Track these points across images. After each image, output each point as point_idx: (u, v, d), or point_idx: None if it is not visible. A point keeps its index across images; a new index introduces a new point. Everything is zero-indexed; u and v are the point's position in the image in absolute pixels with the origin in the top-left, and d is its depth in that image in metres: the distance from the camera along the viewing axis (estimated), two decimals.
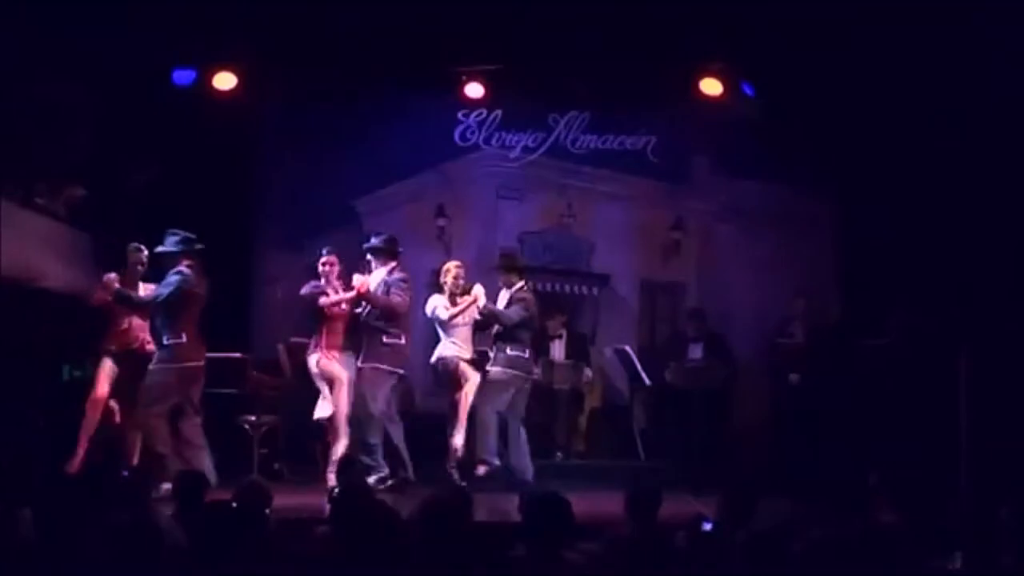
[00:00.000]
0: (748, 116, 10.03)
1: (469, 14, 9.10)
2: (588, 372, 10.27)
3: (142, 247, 8.30)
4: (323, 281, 8.45)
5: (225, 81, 9.66)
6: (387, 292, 8.40)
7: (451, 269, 8.70)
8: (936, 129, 8.96)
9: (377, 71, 9.68)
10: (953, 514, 5.33)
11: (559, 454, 10.09)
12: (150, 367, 7.99)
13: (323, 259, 8.48)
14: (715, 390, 9.99)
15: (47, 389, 8.55)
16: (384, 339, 8.37)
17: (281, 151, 10.93)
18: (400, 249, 8.64)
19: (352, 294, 8.37)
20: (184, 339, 7.98)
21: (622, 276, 11.26)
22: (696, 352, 10.14)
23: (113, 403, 8.27)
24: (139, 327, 8.28)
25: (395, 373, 8.42)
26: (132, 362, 8.19)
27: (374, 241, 8.63)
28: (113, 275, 8.11)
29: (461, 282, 8.71)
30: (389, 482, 8.17)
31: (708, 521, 5.09)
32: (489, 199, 11.21)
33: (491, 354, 8.76)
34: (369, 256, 8.57)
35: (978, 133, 8.73)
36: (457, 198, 11.20)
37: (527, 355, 8.85)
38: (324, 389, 8.33)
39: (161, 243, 8.18)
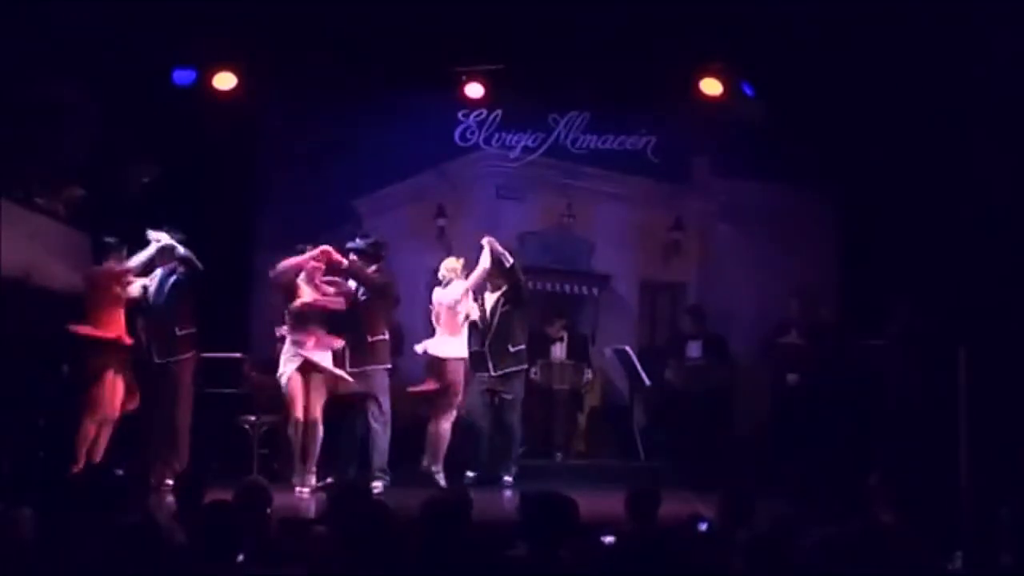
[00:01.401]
0: (748, 116, 10.03)
1: (469, 14, 9.10)
2: (589, 374, 10.25)
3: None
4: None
5: (225, 81, 9.65)
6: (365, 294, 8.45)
7: (457, 268, 8.76)
8: (936, 129, 8.95)
9: (377, 71, 9.69)
10: (953, 514, 5.34)
11: (559, 454, 10.09)
12: (168, 362, 8.17)
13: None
14: (715, 390, 9.99)
15: (47, 389, 8.54)
16: (369, 338, 8.42)
17: (281, 151, 10.92)
18: (383, 253, 8.66)
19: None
20: (194, 329, 8.28)
21: (622, 276, 11.25)
22: (695, 350, 10.13)
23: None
24: None
25: (388, 368, 8.54)
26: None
27: (359, 243, 8.64)
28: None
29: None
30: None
31: (703, 521, 5.09)
32: (489, 199, 11.20)
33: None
34: (353, 256, 8.57)
35: (978, 132, 8.72)
36: (457, 198, 11.18)
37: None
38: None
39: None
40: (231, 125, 9.85)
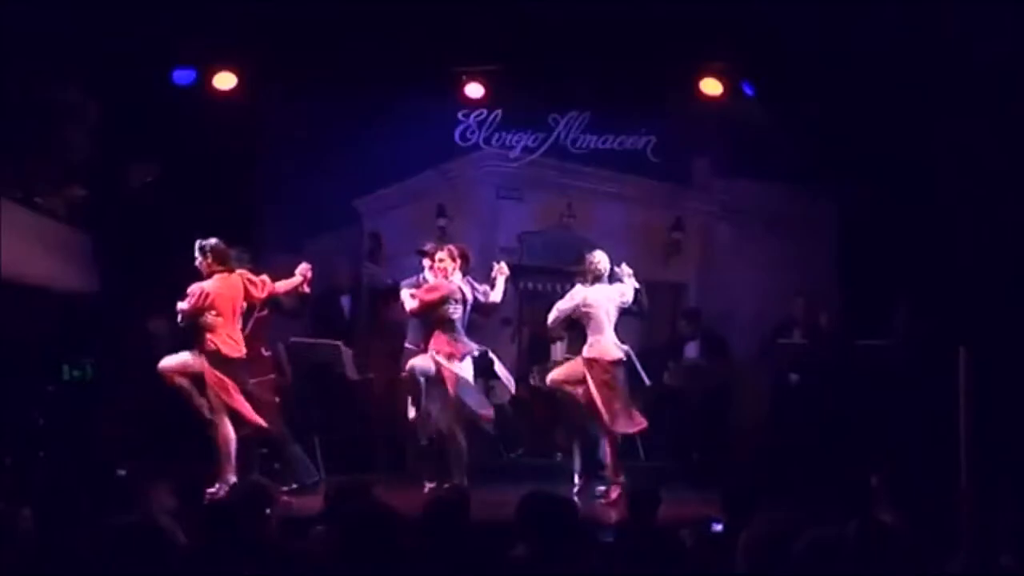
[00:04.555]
0: (748, 116, 10.03)
1: (469, 14, 9.10)
2: None
3: None
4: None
5: (225, 81, 9.66)
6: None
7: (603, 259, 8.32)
8: (936, 128, 8.95)
9: (377, 71, 9.69)
10: (953, 514, 5.33)
11: (559, 454, 10.08)
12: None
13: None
14: (714, 390, 9.99)
15: (47, 389, 8.54)
16: None
17: (281, 151, 10.92)
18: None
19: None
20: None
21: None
22: (691, 351, 10.14)
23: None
24: None
25: None
26: None
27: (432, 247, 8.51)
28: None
29: None
30: None
31: (717, 522, 5.09)
32: (489, 199, 11.20)
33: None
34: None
35: (979, 132, 8.72)
36: (457, 198, 11.18)
37: None
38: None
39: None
40: (231, 125, 9.85)
